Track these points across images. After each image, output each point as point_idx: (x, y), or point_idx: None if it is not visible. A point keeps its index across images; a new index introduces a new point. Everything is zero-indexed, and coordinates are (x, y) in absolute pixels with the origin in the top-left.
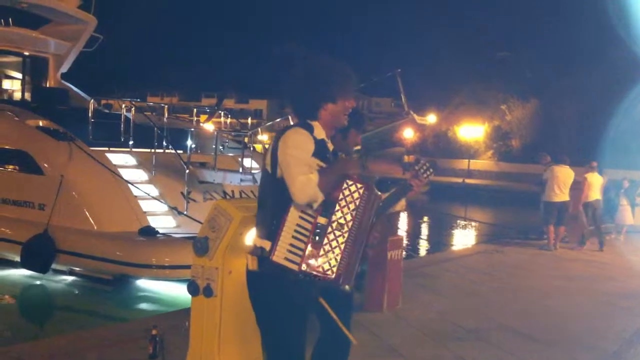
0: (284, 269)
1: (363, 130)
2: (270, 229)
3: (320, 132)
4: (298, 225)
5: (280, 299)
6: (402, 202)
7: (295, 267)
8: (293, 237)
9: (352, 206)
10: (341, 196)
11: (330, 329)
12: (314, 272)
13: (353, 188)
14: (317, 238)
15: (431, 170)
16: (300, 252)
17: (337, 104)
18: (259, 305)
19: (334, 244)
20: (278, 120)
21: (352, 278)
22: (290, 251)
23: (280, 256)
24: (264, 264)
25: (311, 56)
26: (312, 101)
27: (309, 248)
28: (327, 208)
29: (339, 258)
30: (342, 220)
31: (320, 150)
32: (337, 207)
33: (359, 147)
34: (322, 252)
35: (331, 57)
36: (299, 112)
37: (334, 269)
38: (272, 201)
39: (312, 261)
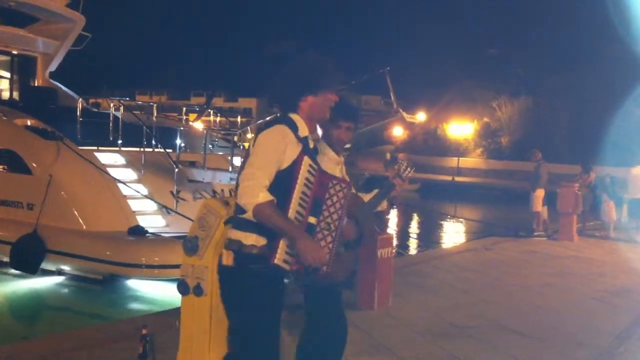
0: (276, 267)
1: (355, 124)
2: (258, 224)
3: (303, 129)
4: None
5: (259, 295)
6: (384, 203)
7: (288, 267)
8: None
9: (338, 205)
10: (327, 195)
11: (328, 322)
12: (304, 271)
13: (338, 187)
14: None
15: (410, 168)
16: (293, 252)
17: (317, 96)
18: (235, 302)
19: (322, 243)
20: (268, 118)
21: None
22: (287, 253)
23: (280, 259)
24: (241, 259)
25: (299, 52)
26: (292, 92)
27: None
28: (316, 208)
29: (327, 257)
30: (329, 220)
31: (306, 148)
32: (324, 207)
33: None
34: None
35: (315, 51)
36: (279, 103)
37: (325, 268)
38: None
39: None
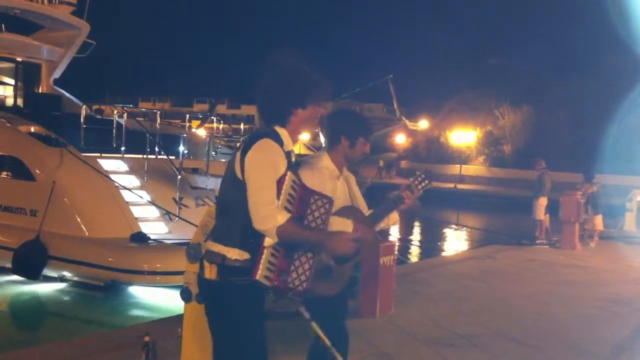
0: (257, 283)
1: (370, 138)
2: (243, 240)
3: (288, 143)
4: (275, 242)
5: (245, 308)
6: (395, 217)
7: (268, 283)
8: (272, 254)
9: (319, 221)
10: (309, 211)
11: (329, 331)
12: (285, 288)
13: (320, 202)
14: (288, 254)
15: (427, 181)
16: (273, 269)
17: (307, 109)
18: (221, 316)
19: (303, 259)
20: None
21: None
22: (268, 269)
23: (261, 275)
24: (225, 272)
25: (283, 61)
26: (283, 106)
27: (282, 264)
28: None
29: (308, 274)
30: None
31: (289, 163)
32: (306, 222)
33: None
34: (292, 268)
35: (304, 63)
36: (267, 117)
37: (304, 284)
38: (244, 210)
39: (283, 277)
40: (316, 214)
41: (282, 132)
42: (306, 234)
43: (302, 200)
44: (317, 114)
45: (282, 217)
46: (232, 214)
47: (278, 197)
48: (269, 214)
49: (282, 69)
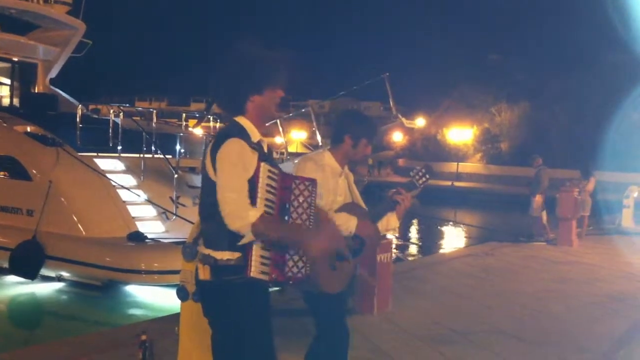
0: (255, 280)
1: (373, 140)
2: (232, 242)
3: (255, 134)
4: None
5: (244, 307)
6: (395, 222)
7: (266, 278)
8: (262, 248)
9: (305, 205)
10: (292, 197)
11: (329, 328)
12: (285, 279)
13: (302, 187)
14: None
15: (427, 175)
16: (268, 262)
17: (264, 95)
18: (220, 317)
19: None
20: (266, 124)
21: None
22: (262, 263)
23: (256, 271)
24: (218, 272)
25: (235, 48)
26: (238, 94)
27: (276, 256)
28: (284, 211)
29: (305, 259)
30: (299, 221)
31: (261, 154)
32: (292, 209)
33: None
34: (288, 256)
35: (255, 44)
36: (224, 106)
37: (303, 271)
38: None
39: (280, 267)
40: (300, 198)
41: (245, 123)
42: (280, 233)
43: (284, 188)
44: (275, 97)
45: (254, 215)
46: (215, 218)
47: (256, 191)
48: (238, 213)
49: (233, 56)
